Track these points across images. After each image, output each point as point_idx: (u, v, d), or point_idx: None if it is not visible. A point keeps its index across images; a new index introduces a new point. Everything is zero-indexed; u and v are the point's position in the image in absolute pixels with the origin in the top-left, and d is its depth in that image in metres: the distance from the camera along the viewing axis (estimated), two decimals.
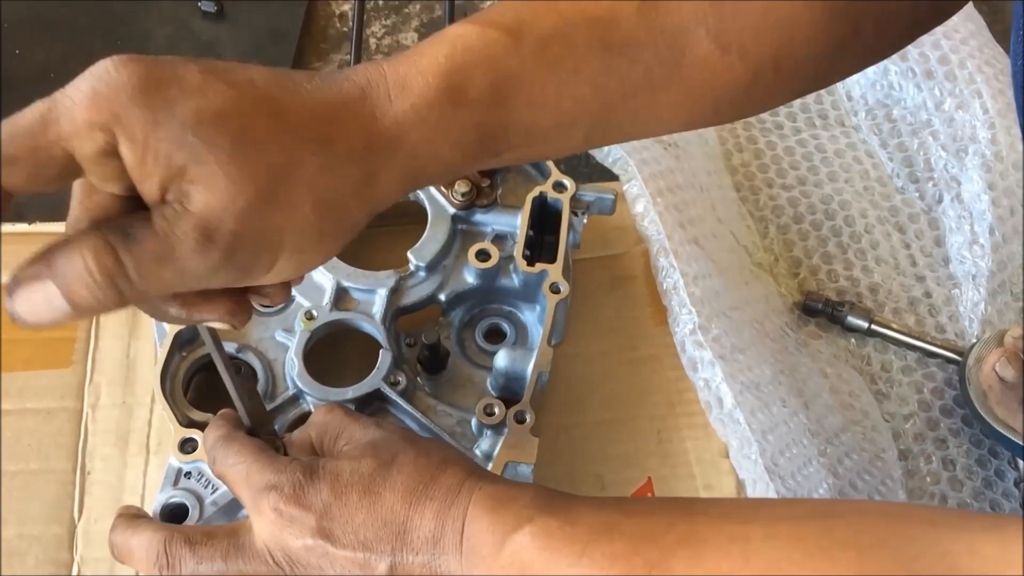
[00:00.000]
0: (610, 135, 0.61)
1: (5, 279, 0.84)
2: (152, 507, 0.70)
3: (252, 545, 0.58)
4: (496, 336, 0.83)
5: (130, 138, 0.41)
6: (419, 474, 0.57)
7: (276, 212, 0.44)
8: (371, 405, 0.76)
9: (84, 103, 0.41)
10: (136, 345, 0.84)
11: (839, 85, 1.10)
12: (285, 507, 0.56)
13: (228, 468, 0.61)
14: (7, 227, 0.90)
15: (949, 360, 0.92)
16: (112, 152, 0.42)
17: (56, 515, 0.76)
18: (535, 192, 0.84)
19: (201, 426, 0.73)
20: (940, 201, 1.01)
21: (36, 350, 0.83)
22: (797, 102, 1.09)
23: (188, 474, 0.71)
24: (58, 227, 0.88)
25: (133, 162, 0.42)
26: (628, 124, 0.57)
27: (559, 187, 0.84)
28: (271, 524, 0.57)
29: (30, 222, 0.91)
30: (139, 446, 0.79)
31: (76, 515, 0.77)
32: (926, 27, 0.67)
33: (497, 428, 0.73)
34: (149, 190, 0.43)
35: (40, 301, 0.43)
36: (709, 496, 0.80)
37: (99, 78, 0.42)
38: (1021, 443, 0.85)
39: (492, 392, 0.77)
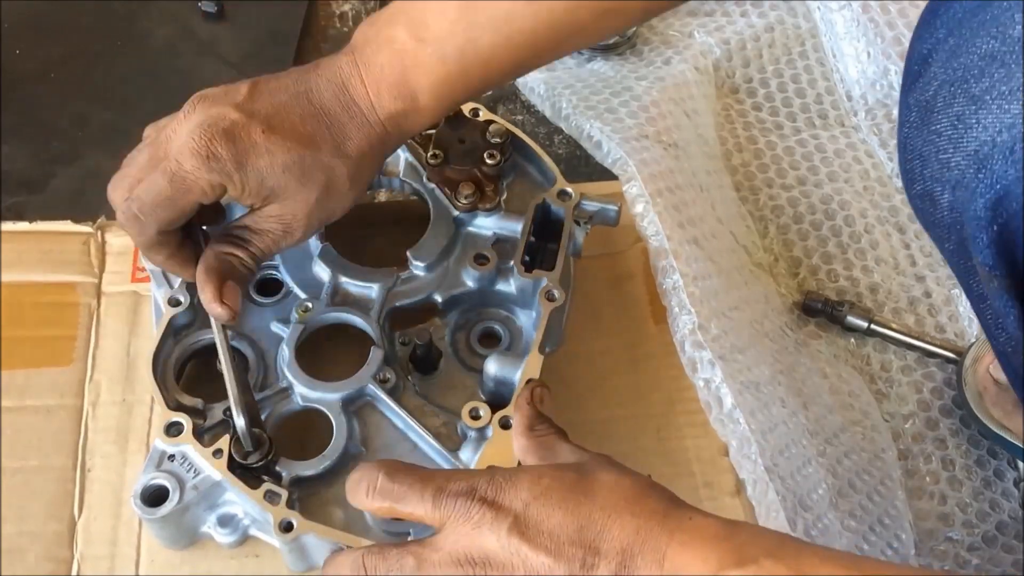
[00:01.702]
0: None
1: (5, 279, 0.85)
2: (134, 488, 0.71)
3: (442, 549, 0.58)
4: (490, 340, 0.83)
5: (235, 188, 0.68)
6: (623, 491, 0.58)
7: (325, 206, 0.71)
8: (359, 401, 0.76)
9: (205, 176, 0.66)
10: (136, 343, 0.84)
11: (839, 85, 1.10)
12: (483, 507, 0.57)
13: (408, 486, 0.61)
14: (7, 226, 0.90)
15: (949, 360, 0.92)
16: (223, 191, 0.68)
17: (56, 512, 0.76)
18: (539, 199, 0.84)
19: (189, 410, 0.73)
20: None
21: (37, 348, 0.84)
22: (797, 102, 1.09)
23: (172, 457, 0.72)
24: (57, 226, 0.90)
25: (236, 195, 0.69)
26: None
27: (563, 196, 0.84)
28: (466, 524, 0.57)
29: (30, 221, 0.91)
30: (139, 443, 0.79)
31: (76, 512, 0.77)
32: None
33: (482, 432, 0.73)
34: (248, 204, 0.71)
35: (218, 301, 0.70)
36: (709, 494, 0.80)
37: (203, 157, 0.66)
38: (1019, 444, 0.85)
39: (482, 396, 0.77)
